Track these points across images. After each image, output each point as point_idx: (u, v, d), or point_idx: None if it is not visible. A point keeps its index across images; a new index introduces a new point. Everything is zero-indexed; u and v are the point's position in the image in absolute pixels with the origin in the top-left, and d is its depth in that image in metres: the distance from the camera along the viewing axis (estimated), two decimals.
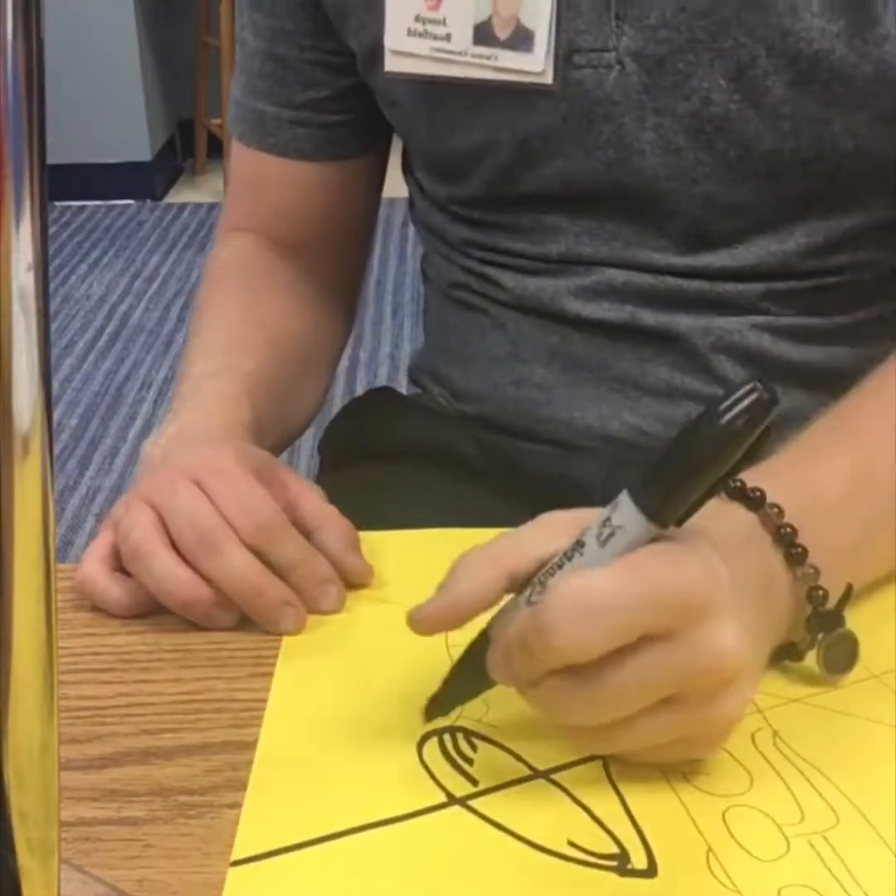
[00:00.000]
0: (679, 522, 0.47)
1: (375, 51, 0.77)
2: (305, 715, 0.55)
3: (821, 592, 0.54)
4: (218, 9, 3.74)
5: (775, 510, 0.54)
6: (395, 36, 0.75)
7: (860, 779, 0.50)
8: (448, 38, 0.73)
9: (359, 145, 0.88)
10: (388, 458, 0.88)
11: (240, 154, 0.90)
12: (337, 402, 2.80)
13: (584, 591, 0.46)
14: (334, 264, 0.93)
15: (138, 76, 4.00)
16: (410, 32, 0.74)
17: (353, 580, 0.64)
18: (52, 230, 3.66)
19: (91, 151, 3.99)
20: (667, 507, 0.46)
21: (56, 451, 2.51)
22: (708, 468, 0.45)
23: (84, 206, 4.00)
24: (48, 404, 0.29)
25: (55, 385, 2.77)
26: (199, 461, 0.64)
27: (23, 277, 0.28)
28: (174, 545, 0.61)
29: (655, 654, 0.46)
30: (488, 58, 0.72)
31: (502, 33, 0.71)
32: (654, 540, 0.47)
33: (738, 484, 0.54)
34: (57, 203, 3.93)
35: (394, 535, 0.68)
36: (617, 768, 0.51)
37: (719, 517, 0.52)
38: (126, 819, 0.50)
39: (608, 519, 0.47)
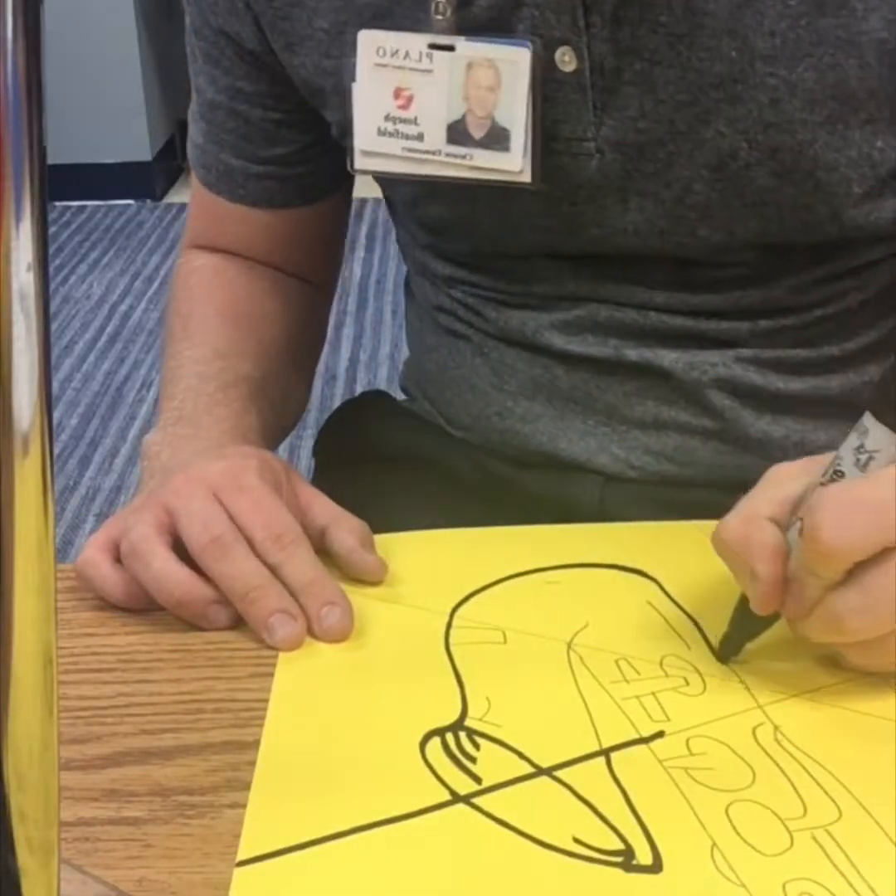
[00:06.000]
0: None
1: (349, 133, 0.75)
2: (307, 715, 0.55)
3: None
4: None
5: None
6: (365, 136, 0.71)
7: (862, 773, 0.50)
8: (420, 137, 0.70)
9: (327, 187, 0.86)
10: (384, 464, 0.88)
11: (203, 189, 0.86)
12: (338, 402, 2.80)
13: (845, 491, 0.51)
14: (308, 272, 0.91)
15: (138, 76, 3.99)
16: (380, 132, 0.71)
17: (367, 577, 0.64)
18: (52, 230, 3.66)
19: (91, 151, 3.99)
20: None
21: (56, 451, 2.51)
22: None
23: (84, 206, 4.00)
24: (48, 404, 0.29)
25: (55, 385, 2.77)
26: (220, 470, 0.63)
27: (23, 277, 0.28)
28: (175, 547, 0.61)
29: None
30: (463, 157, 0.70)
31: (477, 132, 0.69)
32: None
33: None
34: (57, 203, 3.93)
35: (393, 537, 0.68)
36: (620, 765, 0.51)
37: None
38: (126, 819, 0.50)
39: (861, 446, 0.50)
